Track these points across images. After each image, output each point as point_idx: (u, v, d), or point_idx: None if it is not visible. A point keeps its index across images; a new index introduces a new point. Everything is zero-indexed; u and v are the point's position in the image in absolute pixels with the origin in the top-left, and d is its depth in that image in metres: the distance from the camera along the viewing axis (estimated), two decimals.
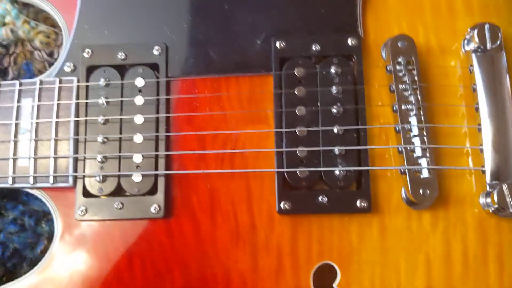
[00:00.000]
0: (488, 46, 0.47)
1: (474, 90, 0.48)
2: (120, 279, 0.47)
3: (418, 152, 0.45)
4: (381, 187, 0.47)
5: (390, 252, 0.46)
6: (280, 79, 0.49)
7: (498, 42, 0.47)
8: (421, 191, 0.45)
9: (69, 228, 0.48)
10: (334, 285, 0.46)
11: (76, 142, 0.49)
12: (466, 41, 0.49)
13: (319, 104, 0.48)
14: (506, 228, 0.47)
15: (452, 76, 0.49)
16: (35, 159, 0.48)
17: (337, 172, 0.46)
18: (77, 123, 0.49)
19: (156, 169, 0.48)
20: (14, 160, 0.48)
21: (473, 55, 0.48)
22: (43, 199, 0.49)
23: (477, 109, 0.47)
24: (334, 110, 0.47)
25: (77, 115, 0.49)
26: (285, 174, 0.47)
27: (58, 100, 0.49)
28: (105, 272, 0.47)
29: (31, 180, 0.48)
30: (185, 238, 0.47)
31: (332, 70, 0.48)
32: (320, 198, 0.46)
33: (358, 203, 0.46)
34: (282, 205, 0.46)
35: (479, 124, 0.47)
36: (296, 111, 0.47)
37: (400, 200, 0.47)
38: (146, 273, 0.47)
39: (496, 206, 0.44)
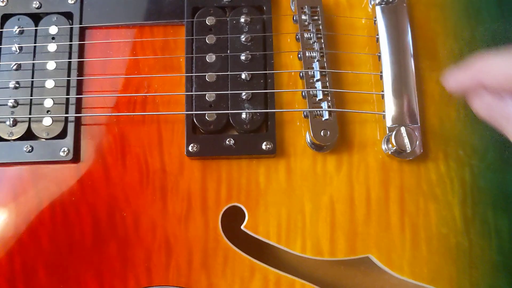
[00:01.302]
0: None
1: (378, 40, 0.50)
2: (29, 224, 0.47)
3: (320, 96, 0.47)
4: (288, 132, 0.49)
5: (296, 194, 0.48)
6: (191, 27, 0.50)
7: None
8: (322, 133, 0.46)
9: None
10: (242, 226, 0.47)
11: None
12: None
13: (228, 51, 0.49)
14: (407, 171, 0.48)
15: (358, 28, 0.52)
16: None
17: (243, 115, 0.47)
18: None
19: (67, 113, 0.48)
20: None
21: (377, 8, 0.50)
22: None
23: (379, 58, 0.49)
24: (242, 57, 0.49)
25: None
26: (194, 117, 0.48)
27: None
28: (14, 216, 0.47)
29: None
30: (95, 182, 0.48)
31: (242, 19, 0.49)
32: (227, 141, 0.47)
33: (263, 145, 0.47)
34: (190, 148, 0.47)
35: (381, 72, 0.49)
36: (206, 58, 0.49)
37: (306, 144, 0.49)
38: (55, 218, 0.47)
39: (394, 148, 0.46)
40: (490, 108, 0.40)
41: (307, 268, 0.50)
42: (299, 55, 0.49)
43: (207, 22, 0.50)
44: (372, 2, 0.51)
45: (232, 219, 0.48)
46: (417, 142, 0.46)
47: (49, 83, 0.49)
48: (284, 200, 0.48)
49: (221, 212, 0.47)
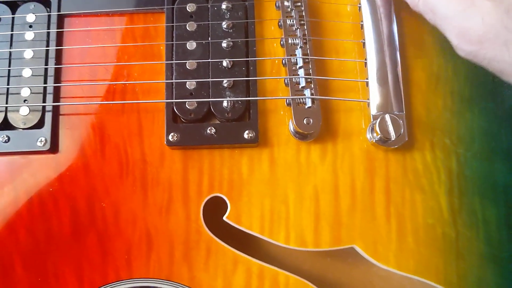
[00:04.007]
0: None
1: (362, 27, 0.49)
2: (5, 216, 0.46)
3: (303, 83, 0.46)
4: (271, 121, 0.48)
5: (279, 184, 0.47)
6: (172, 14, 0.49)
7: None
8: (305, 121, 0.45)
9: None
10: (224, 217, 0.46)
11: None
12: None
13: (209, 38, 0.48)
14: (393, 160, 0.48)
15: (343, 15, 0.51)
16: None
17: (225, 103, 0.46)
18: None
19: (44, 103, 0.47)
20: None
21: None
22: None
23: (364, 45, 0.48)
24: (224, 45, 0.47)
25: None
26: (174, 106, 0.47)
27: None
28: None
29: None
30: (73, 173, 0.47)
31: (223, 6, 0.48)
32: (208, 130, 0.46)
33: (245, 134, 0.46)
34: (170, 137, 0.46)
35: (366, 59, 0.48)
36: (187, 45, 0.48)
37: (289, 133, 0.48)
38: (32, 210, 0.46)
39: (379, 136, 0.45)
40: None
41: (293, 260, 0.49)
42: (282, 42, 0.48)
43: (187, 9, 0.48)
44: None
45: (214, 210, 0.47)
46: (402, 130, 0.45)
47: (26, 72, 0.48)
48: (267, 191, 0.47)
49: (203, 203, 0.46)
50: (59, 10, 0.50)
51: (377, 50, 0.48)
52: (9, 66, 0.48)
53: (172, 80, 0.47)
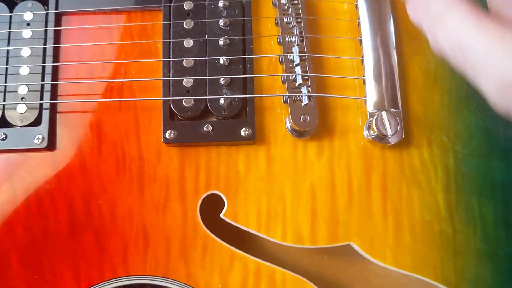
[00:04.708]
0: None
1: (359, 24, 0.49)
2: (3, 213, 0.46)
3: (299, 81, 0.46)
4: (268, 119, 0.48)
5: (276, 182, 0.47)
6: (169, 12, 0.49)
7: None
8: (301, 118, 0.46)
9: None
10: (221, 215, 0.46)
11: None
12: None
13: (206, 36, 0.48)
14: (390, 157, 0.47)
15: (340, 12, 0.51)
16: None
17: (221, 101, 0.46)
18: None
19: (41, 100, 0.47)
20: None
21: None
22: None
23: (361, 42, 0.48)
24: (221, 42, 0.48)
25: None
26: (171, 103, 0.47)
27: None
28: None
29: None
30: (70, 170, 0.47)
31: (220, 4, 0.48)
32: (205, 127, 0.46)
33: (242, 131, 0.46)
34: (167, 134, 0.46)
35: (363, 57, 0.48)
36: (184, 43, 0.48)
37: (286, 131, 0.48)
38: (30, 207, 0.46)
39: (376, 133, 0.45)
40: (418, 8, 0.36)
41: (290, 258, 0.49)
42: (279, 40, 0.48)
43: (184, 7, 0.49)
44: None
45: (211, 207, 0.47)
46: (399, 127, 0.45)
47: (24, 70, 0.48)
48: (264, 188, 0.47)
49: (200, 200, 0.46)
50: (56, 8, 0.50)
51: (373, 48, 0.48)
52: (7, 64, 0.48)
53: (169, 77, 0.47)
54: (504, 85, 0.31)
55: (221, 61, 0.47)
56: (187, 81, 0.47)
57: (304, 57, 0.47)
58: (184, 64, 0.47)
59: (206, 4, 0.49)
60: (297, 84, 0.46)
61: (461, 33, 0.32)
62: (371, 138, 0.46)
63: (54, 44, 0.49)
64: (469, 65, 0.33)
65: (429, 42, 0.36)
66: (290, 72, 0.47)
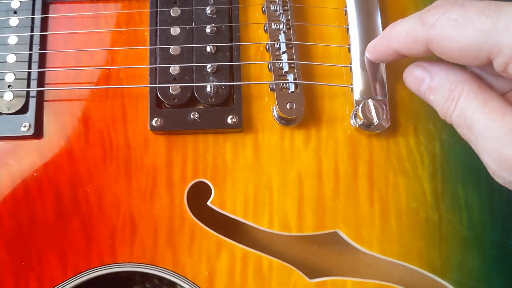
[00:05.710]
0: None
1: (346, 12, 0.49)
2: None
3: (286, 68, 0.46)
4: (255, 107, 0.48)
5: (263, 170, 0.47)
6: (156, 0, 0.49)
7: None
8: (288, 105, 0.46)
9: None
10: (208, 202, 0.46)
11: None
12: None
13: (193, 24, 0.48)
14: (377, 146, 0.48)
15: (327, 1, 0.51)
16: None
17: (208, 88, 0.46)
18: None
19: (28, 88, 0.47)
20: None
21: None
22: None
23: (348, 30, 0.48)
24: (208, 30, 0.48)
25: None
26: (157, 91, 0.47)
27: None
28: None
29: None
30: (57, 158, 0.47)
31: None
32: (192, 115, 0.46)
33: (229, 119, 0.46)
34: (154, 122, 0.46)
35: (349, 45, 0.48)
36: (171, 31, 0.48)
37: (273, 119, 0.48)
38: (16, 194, 0.46)
39: (362, 120, 0.46)
40: (418, 81, 0.40)
41: (278, 246, 0.49)
42: (265, 28, 0.48)
43: None
44: None
45: (198, 196, 0.47)
46: (384, 115, 0.45)
47: (11, 58, 0.48)
48: (251, 176, 0.47)
49: (187, 188, 0.47)
50: None
51: (360, 36, 0.48)
52: None
53: (156, 65, 0.47)
54: (502, 158, 0.35)
55: (208, 49, 0.47)
56: (174, 69, 0.47)
57: (290, 45, 0.47)
58: (171, 52, 0.47)
59: None
60: (283, 71, 0.46)
61: (469, 111, 0.36)
62: (357, 126, 0.47)
63: (41, 32, 0.49)
64: (474, 138, 0.36)
65: (437, 112, 0.39)
66: (276, 60, 0.47)
